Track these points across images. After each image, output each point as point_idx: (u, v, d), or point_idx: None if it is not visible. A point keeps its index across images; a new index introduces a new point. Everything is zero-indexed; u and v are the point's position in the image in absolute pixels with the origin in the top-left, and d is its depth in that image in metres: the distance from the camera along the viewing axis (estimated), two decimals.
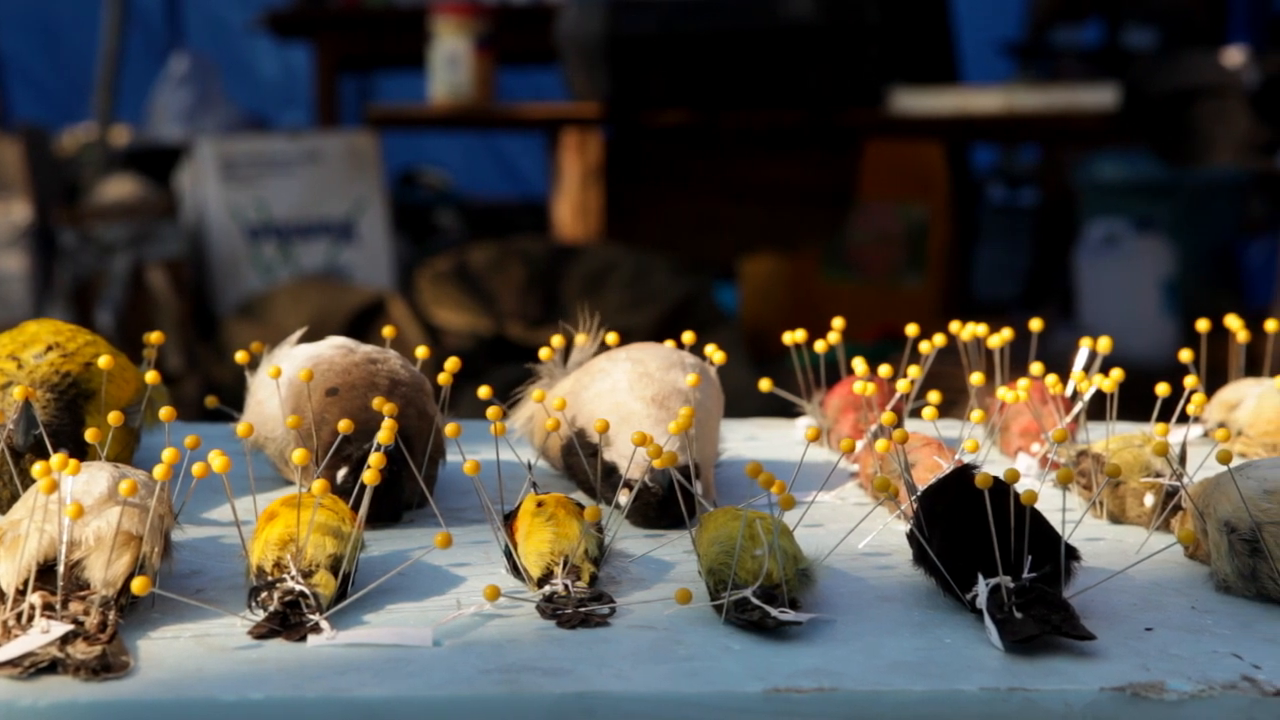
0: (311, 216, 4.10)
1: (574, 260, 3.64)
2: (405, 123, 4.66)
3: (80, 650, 0.83)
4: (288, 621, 0.88)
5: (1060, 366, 1.29)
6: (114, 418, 1.04)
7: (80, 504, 0.89)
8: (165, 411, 1.03)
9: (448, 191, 6.00)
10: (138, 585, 0.86)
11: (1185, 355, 1.26)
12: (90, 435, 1.01)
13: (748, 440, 1.40)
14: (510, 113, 4.14)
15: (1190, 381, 1.18)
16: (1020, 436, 1.30)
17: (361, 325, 3.47)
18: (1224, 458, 0.98)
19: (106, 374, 1.14)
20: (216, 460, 0.92)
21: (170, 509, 0.98)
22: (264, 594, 0.91)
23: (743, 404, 1.54)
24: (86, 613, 0.86)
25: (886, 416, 1.09)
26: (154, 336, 1.24)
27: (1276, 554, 0.95)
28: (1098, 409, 1.23)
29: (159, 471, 0.92)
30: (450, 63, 3.83)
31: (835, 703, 0.82)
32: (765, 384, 1.33)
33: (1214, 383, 1.34)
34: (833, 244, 4.25)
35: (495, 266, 3.61)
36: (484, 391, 1.16)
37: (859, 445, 1.21)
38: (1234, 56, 3.63)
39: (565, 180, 4.13)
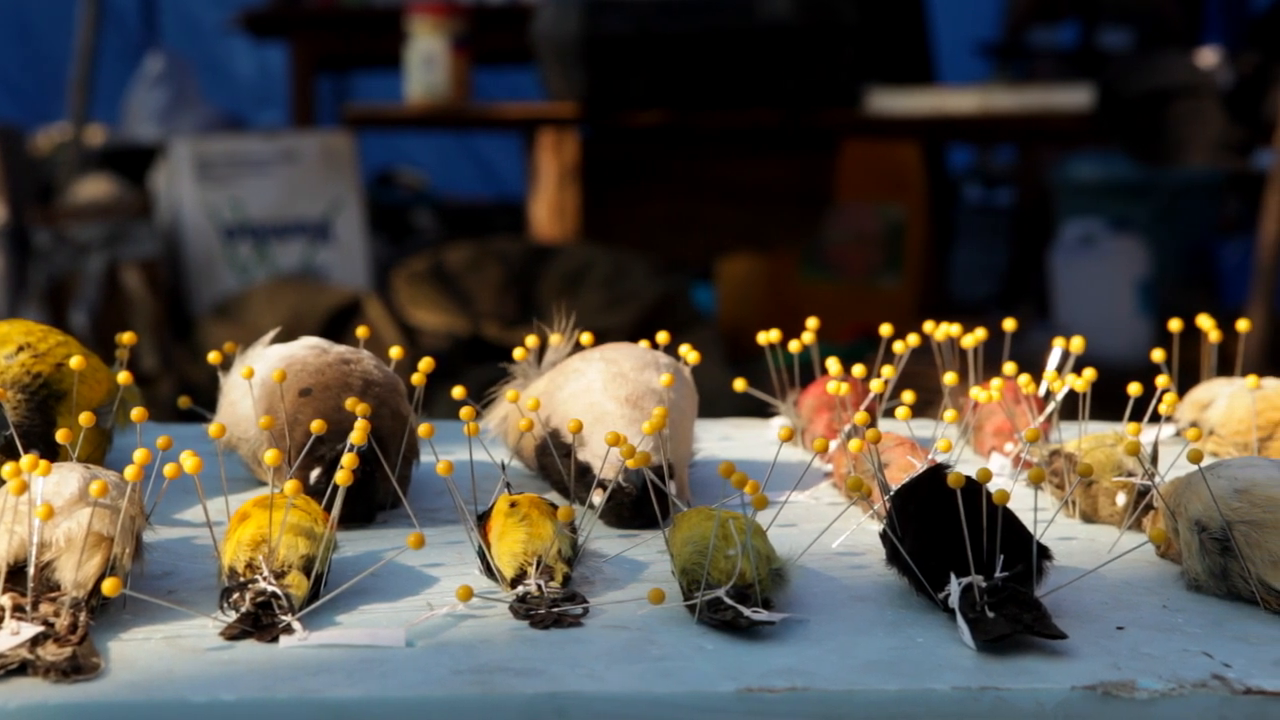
0: (287, 216, 4.09)
1: (551, 260, 3.64)
2: (382, 123, 4.66)
3: (50, 652, 0.83)
4: (260, 622, 0.88)
5: (1037, 366, 1.29)
6: (85, 418, 1.03)
7: (50, 505, 0.89)
8: (136, 412, 1.02)
9: (424, 191, 6.00)
10: (108, 586, 0.86)
11: (1158, 355, 1.26)
12: (61, 436, 1.01)
13: (722, 440, 1.40)
14: (487, 113, 4.14)
15: (1162, 381, 1.18)
16: (994, 436, 1.30)
17: (338, 325, 3.46)
18: (1195, 457, 0.98)
19: (78, 375, 1.13)
20: (188, 461, 0.91)
21: (141, 510, 0.97)
22: (236, 595, 0.91)
23: (719, 404, 1.54)
24: (57, 614, 0.86)
25: (860, 416, 1.09)
26: (126, 337, 1.24)
27: (1247, 553, 0.95)
28: (1071, 408, 1.24)
29: (130, 472, 0.92)
30: (426, 62, 3.83)
31: (808, 702, 0.82)
32: (740, 384, 1.33)
33: (1188, 382, 1.35)
34: (810, 244, 4.26)
35: (472, 267, 3.61)
36: (458, 392, 1.16)
37: (833, 445, 1.22)
38: (1208, 57, 3.64)
39: (542, 180, 4.13)
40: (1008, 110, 3.75)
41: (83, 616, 0.86)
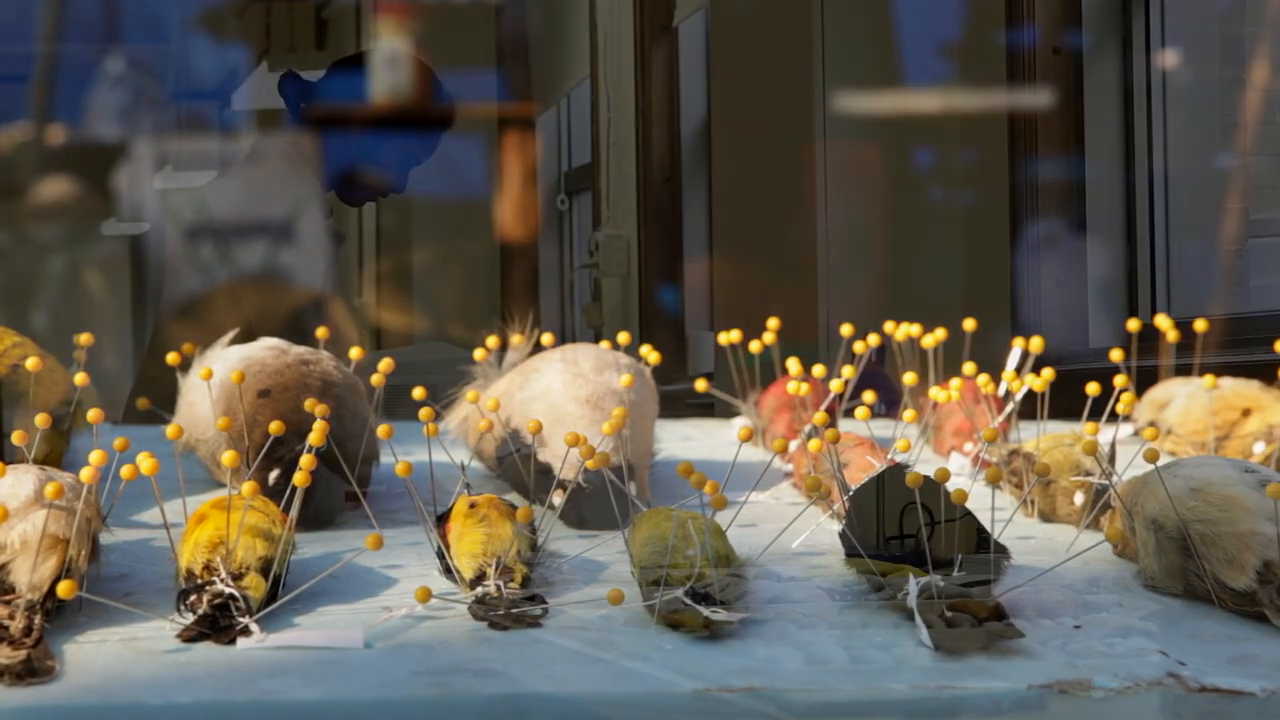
0: (250, 217, 4.06)
1: (515, 261, 3.63)
2: (345, 122, 4.63)
3: (4, 655, 0.82)
4: (217, 624, 0.88)
5: (999, 366, 1.30)
6: (41, 420, 1.03)
7: (5, 507, 0.88)
8: (93, 413, 1.02)
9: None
10: (64, 589, 0.85)
11: (1116, 355, 1.27)
12: (17, 438, 1.00)
13: (683, 440, 1.40)
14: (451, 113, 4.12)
15: (1119, 381, 1.19)
16: (953, 436, 1.31)
17: (301, 326, 3.45)
18: (1151, 456, 0.99)
19: (34, 376, 1.13)
20: (145, 462, 0.91)
21: (98, 512, 0.97)
22: (193, 597, 0.90)
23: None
24: (11, 617, 0.85)
25: (819, 416, 1.09)
26: (83, 338, 1.23)
27: (1202, 551, 0.96)
28: (1032, 408, 1.24)
29: (86, 474, 0.91)
30: (390, 62, 3.81)
31: (765, 702, 0.82)
32: (701, 384, 1.33)
33: (1146, 382, 1.36)
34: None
35: (435, 267, 3.60)
36: (418, 393, 1.15)
37: (793, 445, 1.22)
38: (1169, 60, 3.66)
39: (506, 181, 4.12)
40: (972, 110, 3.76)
41: (38, 619, 0.86)
